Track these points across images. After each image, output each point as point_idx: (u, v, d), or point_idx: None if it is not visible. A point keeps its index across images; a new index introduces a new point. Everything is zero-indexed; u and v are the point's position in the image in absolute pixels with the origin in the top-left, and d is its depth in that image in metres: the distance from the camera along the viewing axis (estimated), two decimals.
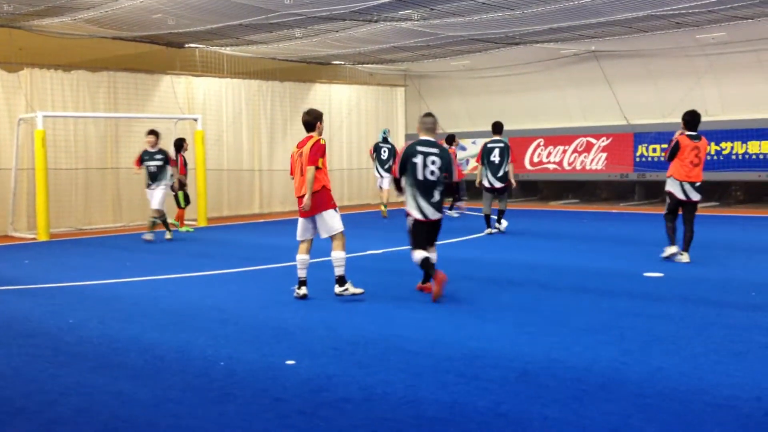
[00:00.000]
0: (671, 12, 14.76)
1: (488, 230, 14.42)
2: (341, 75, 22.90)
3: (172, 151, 15.28)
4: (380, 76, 23.64)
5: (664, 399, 4.98)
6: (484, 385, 5.36)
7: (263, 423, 4.74)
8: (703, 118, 18.86)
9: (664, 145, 19.92)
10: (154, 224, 14.30)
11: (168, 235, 14.44)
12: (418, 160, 8.36)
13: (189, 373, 5.81)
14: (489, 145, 14.30)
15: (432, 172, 8.37)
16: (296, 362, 6.01)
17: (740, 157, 19.12)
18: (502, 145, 14.26)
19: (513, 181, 14.55)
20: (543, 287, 9.04)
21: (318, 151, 8.34)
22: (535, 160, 22.43)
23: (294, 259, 8.82)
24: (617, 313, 7.57)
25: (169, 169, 14.33)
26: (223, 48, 18.65)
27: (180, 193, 15.97)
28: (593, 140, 21.44)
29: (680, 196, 10.55)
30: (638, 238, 13.51)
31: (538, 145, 22.36)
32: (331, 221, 8.47)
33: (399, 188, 8.69)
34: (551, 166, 22.18)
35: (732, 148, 19.24)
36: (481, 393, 5.19)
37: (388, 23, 15.30)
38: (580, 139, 21.60)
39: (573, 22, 15.62)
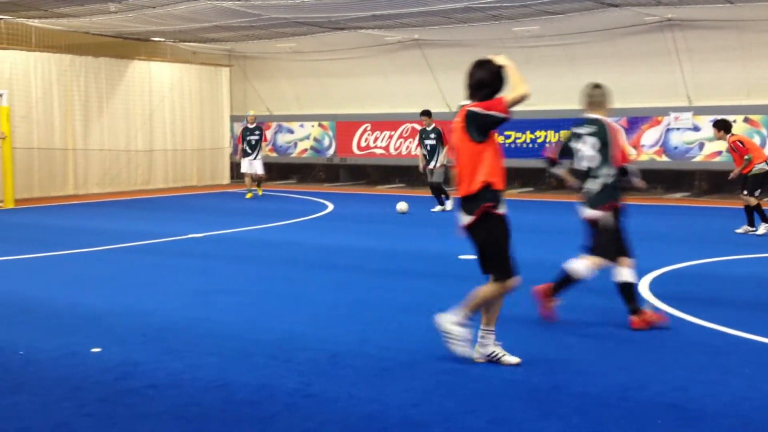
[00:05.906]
0: (487, 5, 15.36)
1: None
2: (161, 52, 22.10)
3: None
4: (204, 55, 23.02)
5: (463, 376, 5.21)
6: (294, 367, 5.40)
7: (60, 412, 4.54)
8: (521, 108, 19.99)
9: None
10: None
11: None
12: None
13: None
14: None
15: None
16: (102, 350, 5.80)
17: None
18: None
19: None
20: (358, 270, 9.20)
21: None
22: (363, 144, 22.71)
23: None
24: (429, 293, 7.83)
25: None
26: (31, 20, 17.51)
27: None
28: (418, 126, 21.95)
29: None
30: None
31: (366, 130, 22.65)
32: None
33: None
34: (378, 151, 22.54)
35: (546, 136, 20.36)
36: (290, 375, 5.23)
37: (208, 2, 14.94)
38: (406, 125, 22.07)
39: (395, 10, 15.91)
